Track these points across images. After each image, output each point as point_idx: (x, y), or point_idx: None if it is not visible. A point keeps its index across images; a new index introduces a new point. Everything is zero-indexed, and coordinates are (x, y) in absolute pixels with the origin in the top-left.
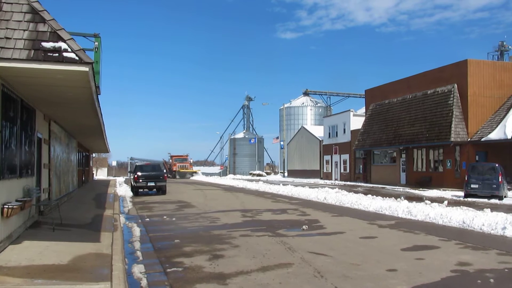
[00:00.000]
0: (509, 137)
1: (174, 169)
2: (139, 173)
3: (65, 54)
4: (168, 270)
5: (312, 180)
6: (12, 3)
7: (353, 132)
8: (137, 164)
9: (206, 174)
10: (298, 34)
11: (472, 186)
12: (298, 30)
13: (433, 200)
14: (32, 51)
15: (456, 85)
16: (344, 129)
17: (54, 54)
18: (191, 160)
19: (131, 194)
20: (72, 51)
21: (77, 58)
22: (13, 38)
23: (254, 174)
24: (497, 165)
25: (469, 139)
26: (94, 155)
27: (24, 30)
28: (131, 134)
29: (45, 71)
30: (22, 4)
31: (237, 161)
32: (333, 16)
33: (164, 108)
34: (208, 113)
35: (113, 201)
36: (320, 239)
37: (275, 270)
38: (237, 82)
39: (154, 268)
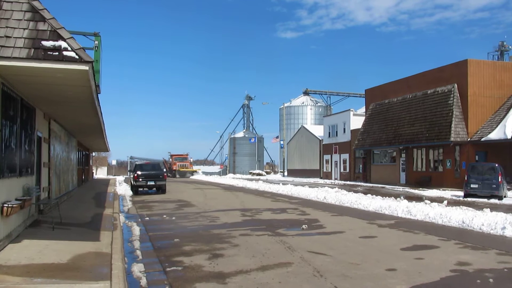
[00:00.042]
0: (509, 137)
1: (174, 168)
2: (139, 172)
3: (65, 53)
4: (168, 269)
5: (312, 180)
6: (12, 2)
7: (353, 132)
8: (137, 163)
9: (206, 173)
10: (298, 34)
11: (472, 186)
12: (298, 30)
13: (432, 199)
14: (32, 50)
15: (456, 85)
16: (344, 129)
17: (54, 53)
18: (191, 159)
19: (130, 193)
20: (72, 50)
21: (77, 57)
22: (13, 37)
23: (254, 174)
24: (496, 165)
25: (469, 139)
26: (94, 154)
27: (24, 29)
28: (131, 133)
29: (45, 69)
30: (22, 2)
31: (237, 160)
32: (333, 15)
33: (164, 107)
34: (208, 112)
35: (112, 200)
36: (319, 238)
37: (275, 270)
38: (237, 82)
39: (154, 267)
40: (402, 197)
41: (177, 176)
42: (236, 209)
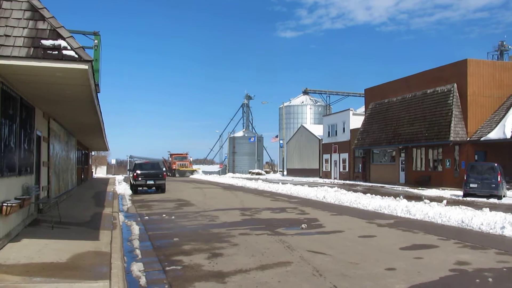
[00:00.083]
0: (508, 136)
1: (174, 167)
2: (138, 171)
3: (64, 52)
4: (167, 268)
5: (311, 179)
6: (11, 1)
7: (353, 131)
8: (136, 162)
9: (206, 173)
10: (298, 33)
11: (471, 185)
12: (298, 29)
13: (432, 199)
14: (32, 49)
15: (455, 85)
16: (344, 128)
17: (53, 52)
18: (191, 159)
19: (130, 192)
20: (72, 49)
21: (76, 56)
22: (13, 36)
23: (253, 173)
24: (496, 164)
25: (468, 139)
26: (93, 153)
27: (24, 28)
28: (130, 132)
29: (44, 69)
30: (22, 1)
31: (237, 160)
32: (333, 15)
33: (164, 106)
34: (208, 111)
35: (112, 199)
36: (319, 238)
37: (274, 269)
38: (237, 81)
39: (153, 267)
40: (401, 197)
41: (177, 175)
42: (235, 208)
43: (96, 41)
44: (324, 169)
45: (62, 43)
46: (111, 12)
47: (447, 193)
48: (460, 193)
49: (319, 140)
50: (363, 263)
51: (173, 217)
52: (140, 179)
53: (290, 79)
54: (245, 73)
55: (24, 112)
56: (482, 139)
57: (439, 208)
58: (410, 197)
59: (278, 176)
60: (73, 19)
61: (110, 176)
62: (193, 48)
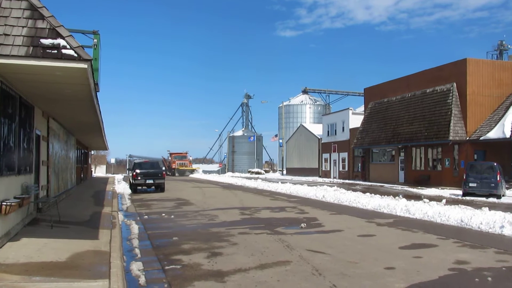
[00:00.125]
0: (507, 136)
1: (173, 166)
2: (138, 171)
3: (63, 51)
4: (167, 267)
5: (310, 178)
6: (11, 0)
7: (352, 131)
8: (135, 161)
9: (205, 172)
10: (298, 32)
11: (471, 184)
12: (297, 28)
13: (431, 198)
14: (31, 48)
15: (455, 84)
16: (343, 127)
17: (52, 51)
18: (190, 158)
19: (129, 191)
20: (71, 48)
21: (75, 55)
22: (12, 35)
23: (252, 172)
24: (495, 164)
25: (467, 138)
26: (92, 152)
27: (23, 27)
28: (130, 132)
29: (43, 68)
30: (21, 0)
31: (236, 159)
32: (332, 14)
33: (164, 105)
34: (208, 111)
35: (111, 198)
36: (318, 237)
37: (273, 268)
38: (237, 80)
39: (153, 266)
40: (400, 196)
41: (176, 174)
42: (235, 208)
43: (95, 40)
44: (323, 168)
45: (62, 42)
46: (110, 11)
47: (447, 192)
48: (460, 192)
49: (319, 139)
50: (363, 262)
51: (172, 216)
52: (139, 178)
53: (289, 78)
54: (245, 72)
55: (24, 111)
56: (481, 138)
57: (438, 207)
58: (409, 196)
59: (277, 175)
60: (72, 18)
61: (109, 175)
62: (192, 47)
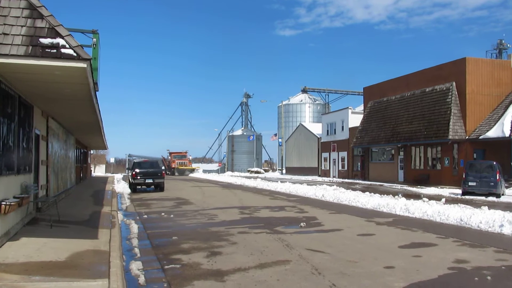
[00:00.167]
0: (507, 135)
1: (173, 166)
2: (137, 170)
3: (63, 50)
4: (166, 267)
5: (310, 178)
6: None
7: (351, 130)
8: (135, 161)
9: (205, 171)
10: (297, 32)
11: (470, 183)
12: (297, 28)
13: (430, 197)
14: (30, 47)
15: (454, 83)
16: (342, 127)
17: (52, 50)
18: (190, 157)
19: (129, 191)
20: (70, 47)
21: (75, 54)
22: (11, 34)
23: (252, 171)
24: (494, 163)
25: (467, 137)
26: (92, 152)
27: (22, 26)
28: (129, 131)
29: (43, 67)
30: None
31: (235, 158)
32: (332, 13)
33: (163, 105)
34: (207, 110)
35: (111, 198)
36: (318, 236)
37: (273, 267)
38: (236, 79)
39: (152, 265)
40: (400, 195)
41: (176, 174)
42: (234, 207)
43: (94, 39)
44: (323, 168)
45: (61, 41)
46: (110, 11)
47: (446, 191)
48: (459, 191)
49: (318, 138)
50: (362, 261)
51: (172, 216)
52: (139, 177)
53: (289, 78)
54: (244, 71)
55: (23, 110)
56: (480, 137)
57: (437, 206)
58: (409, 196)
59: (277, 174)
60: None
61: (109, 174)
62: (192, 47)
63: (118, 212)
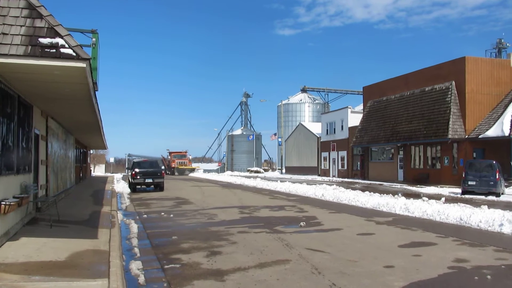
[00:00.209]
0: (506, 134)
1: (173, 165)
2: (137, 170)
3: (62, 50)
4: (166, 266)
5: (309, 177)
6: None
7: (351, 129)
8: (134, 160)
9: (204, 171)
10: (296, 31)
11: (470, 183)
12: (296, 27)
13: (430, 197)
14: (29, 47)
15: (454, 82)
16: (342, 126)
17: (51, 50)
18: (190, 157)
19: (128, 190)
20: (70, 47)
21: (74, 54)
22: (10, 34)
23: (251, 171)
24: (494, 162)
25: (466, 136)
26: (91, 151)
27: (21, 26)
28: (129, 131)
29: (42, 67)
30: None
31: (235, 158)
32: (331, 13)
33: (163, 104)
34: (207, 110)
35: (110, 197)
36: (317, 235)
37: (273, 267)
38: (236, 79)
39: (152, 265)
40: (400, 194)
41: (176, 173)
42: (234, 207)
43: (94, 39)
44: (322, 167)
45: (60, 41)
46: (110, 10)
47: (446, 190)
48: (459, 190)
49: (318, 138)
50: (362, 260)
51: (171, 215)
52: (138, 177)
53: (288, 77)
54: (244, 71)
55: (22, 110)
56: (480, 136)
57: (437, 205)
58: (408, 195)
59: (276, 174)
60: (71, 17)
61: (108, 174)
62: (192, 47)
63: (118, 211)
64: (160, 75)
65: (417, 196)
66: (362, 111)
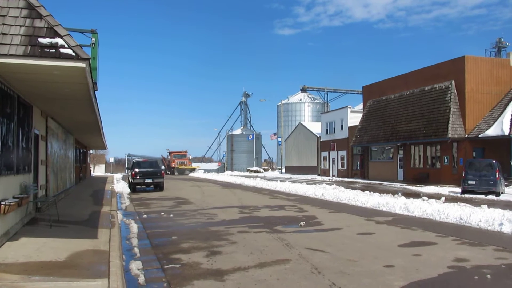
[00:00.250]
0: (506, 133)
1: (173, 165)
2: (137, 170)
3: (62, 50)
4: (166, 266)
5: (309, 177)
6: None
7: (351, 129)
8: (134, 160)
9: (204, 171)
10: (296, 31)
11: (470, 182)
12: (296, 27)
13: (430, 196)
14: (29, 47)
15: (453, 82)
16: (342, 126)
17: (51, 50)
18: (190, 157)
19: (128, 190)
20: (69, 47)
21: (74, 54)
22: (10, 34)
23: (251, 171)
24: (494, 161)
25: (466, 136)
26: (91, 151)
27: (21, 26)
28: (129, 131)
29: (42, 67)
30: None
31: (235, 158)
32: (331, 12)
33: (163, 104)
34: (207, 109)
35: (110, 197)
36: (317, 235)
37: (273, 266)
38: (235, 79)
39: (152, 265)
40: (399, 194)
41: (176, 173)
42: (234, 206)
43: (93, 39)
44: (322, 167)
45: (60, 41)
46: (109, 10)
47: (446, 190)
48: (459, 190)
49: (317, 137)
50: (362, 260)
51: (171, 215)
52: (138, 177)
53: (288, 77)
54: (244, 71)
55: (22, 110)
56: (480, 136)
57: (437, 205)
58: (408, 194)
59: (276, 173)
60: (70, 17)
61: (108, 174)
62: (192, 47)
63: (118, 211)
64: (160, 75)
65: (417, 195)
66: (362, 110)
